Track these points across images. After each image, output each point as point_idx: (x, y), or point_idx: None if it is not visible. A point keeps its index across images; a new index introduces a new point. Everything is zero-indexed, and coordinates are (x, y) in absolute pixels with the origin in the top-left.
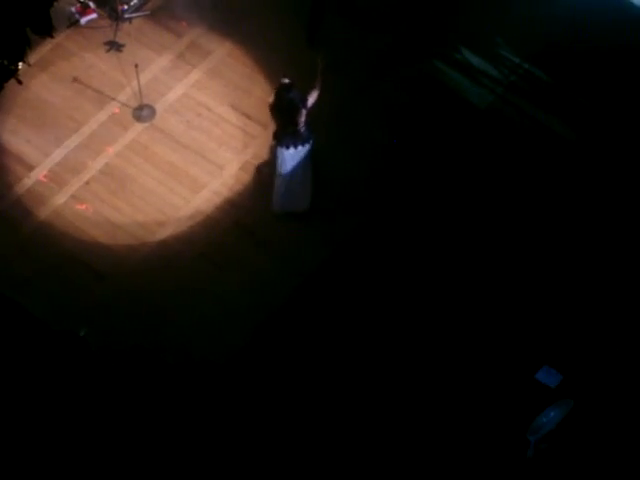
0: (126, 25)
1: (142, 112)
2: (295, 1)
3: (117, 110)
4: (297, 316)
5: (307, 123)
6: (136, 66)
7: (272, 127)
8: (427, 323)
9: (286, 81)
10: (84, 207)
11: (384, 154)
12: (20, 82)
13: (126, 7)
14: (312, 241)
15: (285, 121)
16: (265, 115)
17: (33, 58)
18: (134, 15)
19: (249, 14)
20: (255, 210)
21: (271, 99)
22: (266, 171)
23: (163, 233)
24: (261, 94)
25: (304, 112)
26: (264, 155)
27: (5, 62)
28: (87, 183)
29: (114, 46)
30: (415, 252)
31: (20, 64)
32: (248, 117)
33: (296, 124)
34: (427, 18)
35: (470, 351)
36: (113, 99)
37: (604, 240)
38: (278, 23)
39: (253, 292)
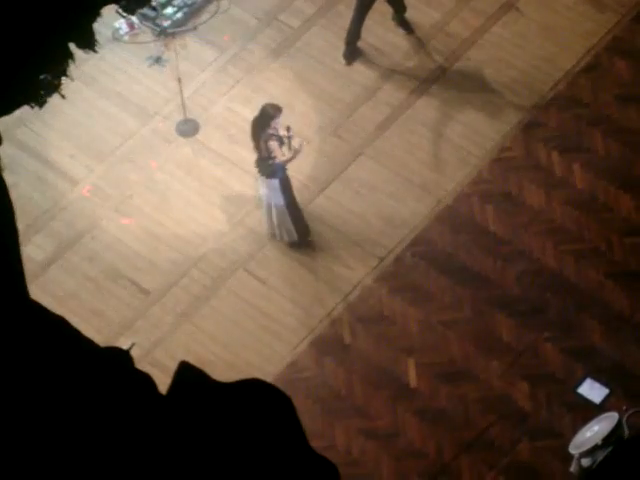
0: (169, 40)
1: (185, 126)
2: (340, 15)
3: (160, 124)
4: (344, 331)
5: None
6: (179, 80)
7: (315, 142)
8: (466, 334)
9: (269, 105)
10: (128, 221)
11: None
12: (64, 97)
13: (169, 22)
14: (358, 255)
15: (255, 146)
16: (308, 130)
17: (76, 73)
18: (177, 30)
19: (292, 28)
20: None
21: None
22: None
23: (206, 247)
24: (304, 109)
25: (266, 143)
26: (307, 169)
27: (49, 77)
28: (130, 197)
29: (157, 61)
30: None
31: (63, 79)
32: (290, 131)
33: (259, 150)
34: None
35: (511, 363)
36: (156, 114)
37: None
38: (322, 38)
39: (299, 306)
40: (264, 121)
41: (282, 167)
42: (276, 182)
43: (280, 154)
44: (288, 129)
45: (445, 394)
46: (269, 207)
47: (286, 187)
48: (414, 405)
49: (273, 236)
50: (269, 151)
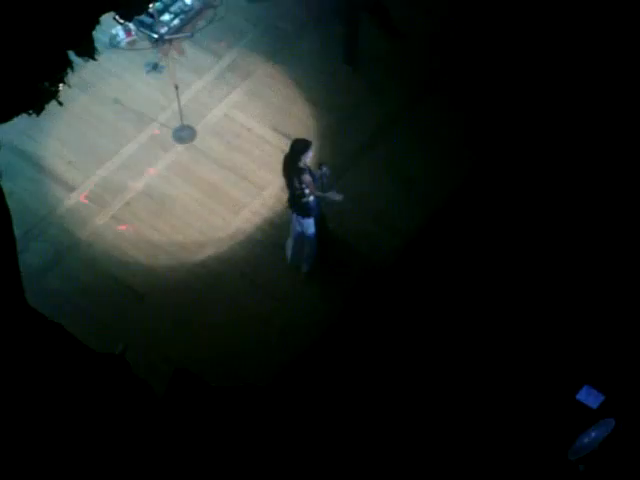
0: (166, 47)
1: (182, 133)
2: (336, 21)
3: (157, 131)
4: (342, 337)
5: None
6: (176, 87)
7: (312, 147)
8: (465, 345)
9: (298, 140)
10: (124, 228)
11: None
12: (61, 103)
13: (166, 29)
14: (355, 259)
15: (287, 182)
16: (305, 136)
17: (73, 79)
18: (174, 37)
19: (289, 35)
20: None
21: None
22: None
23: (203, 253)
24: (301, 115)
25: (298, 178)
26: None
27: (46, 84)
28: (127, 204)
29: (154, 67)
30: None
31: (60, 85)
32: (288, 138)
33: (291, 187)
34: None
35: (510, 372)
36: (153, 120)
37: None
38: (319, 44)
39: (295, 312)
40: (294, 156)
41: (317, 204)
42: (311, 221)
43: (313, 188)
44: (320, 166)
45: None
46: (300, 240)
47: (318, 221)
48: None
49: (297, 267)
50: (302, 186)
